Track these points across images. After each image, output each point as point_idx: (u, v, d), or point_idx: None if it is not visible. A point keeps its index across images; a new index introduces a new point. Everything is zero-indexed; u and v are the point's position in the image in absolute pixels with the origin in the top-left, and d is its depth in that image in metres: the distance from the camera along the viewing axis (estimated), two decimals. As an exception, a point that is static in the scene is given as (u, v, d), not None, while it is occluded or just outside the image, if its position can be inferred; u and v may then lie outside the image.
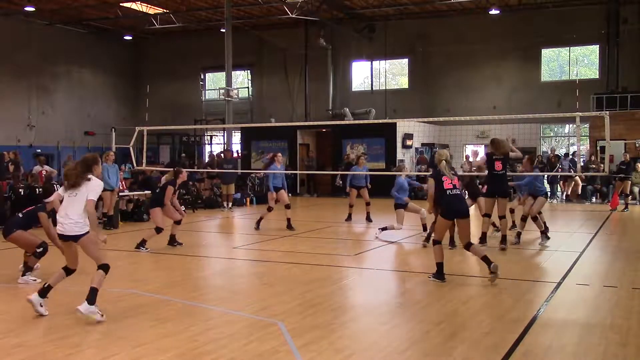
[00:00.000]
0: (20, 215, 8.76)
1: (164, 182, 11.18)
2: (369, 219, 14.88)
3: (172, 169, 11.70)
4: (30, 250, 8.49)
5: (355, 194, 15.16)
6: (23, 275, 8.26)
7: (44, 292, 6.39)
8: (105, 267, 6.41)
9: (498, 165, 10.69)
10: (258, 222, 13.58)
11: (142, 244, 10.73)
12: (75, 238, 6.38)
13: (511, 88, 27.26)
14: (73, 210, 6.33)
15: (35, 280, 8.13)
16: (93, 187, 6.41)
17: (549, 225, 11.86)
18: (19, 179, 15.96)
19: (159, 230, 10.67)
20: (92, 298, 6.18)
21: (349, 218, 15.05)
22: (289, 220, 13.35)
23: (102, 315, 6.17)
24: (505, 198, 10.98)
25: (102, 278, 6.36)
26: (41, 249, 8.42)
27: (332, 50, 29.83)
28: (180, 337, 5.65)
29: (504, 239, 10.74)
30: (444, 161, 8.20)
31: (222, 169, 19.48)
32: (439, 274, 8.06)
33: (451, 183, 8.10)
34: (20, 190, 14.54)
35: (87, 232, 6.38)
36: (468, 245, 8.14)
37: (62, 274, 6.58)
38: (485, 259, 7.89)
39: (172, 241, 11.12)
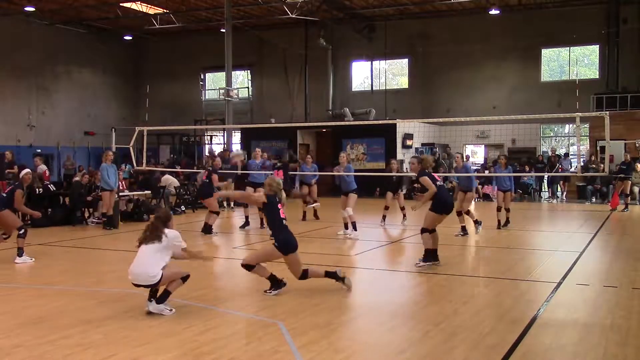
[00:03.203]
0: (4, 194, 9.69)
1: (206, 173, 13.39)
2: (316, 217, 15.53)
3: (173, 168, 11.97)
4: (9, 230, 9.50)
5: (306, 191, 15.89)
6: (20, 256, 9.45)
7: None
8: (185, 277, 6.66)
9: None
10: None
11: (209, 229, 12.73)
12: None
13: (511, 88, 27.26)
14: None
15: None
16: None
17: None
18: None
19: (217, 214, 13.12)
20: (163, 298, 6.49)
21: (304, 217, 15.65)
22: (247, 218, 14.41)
23: (170, 310, 6.45)
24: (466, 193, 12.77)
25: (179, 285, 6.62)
26: (22, 231, 9.48)
27: (332, 50, 29.84)
28: (180, 337, 5.65)
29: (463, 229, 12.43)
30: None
31: (220, 169, 19.45)
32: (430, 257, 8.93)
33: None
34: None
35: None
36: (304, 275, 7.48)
37: None
38: (329, 275, 7.55)
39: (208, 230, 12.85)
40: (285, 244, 7.19)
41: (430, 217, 8.95)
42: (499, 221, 13.69)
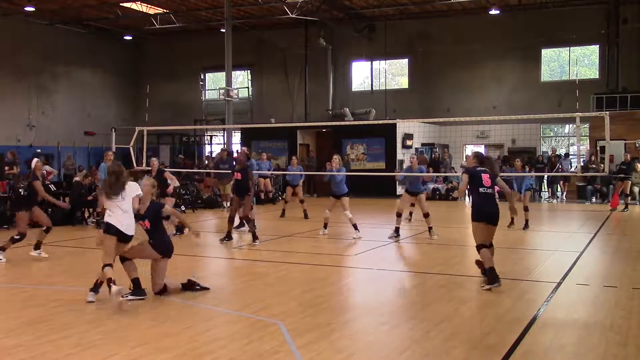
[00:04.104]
0: (25, 193, 10.16)
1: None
2: (306, 216, 15.90)
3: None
4: (47, 223, 10.01)
5: (290, 191, 16.76)
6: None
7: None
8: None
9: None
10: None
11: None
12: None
13: (511, 88, 27.26)
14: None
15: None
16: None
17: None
18: (19, 178, 15.92)
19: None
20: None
21: (283, 214, 16.41)
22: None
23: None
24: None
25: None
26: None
27: (332, 50, 29.82)
28: (180, 337, 5.65)
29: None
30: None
31: (218, 169, 19.48)
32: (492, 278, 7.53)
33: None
34: (20, 190, 14.52)
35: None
36: None
37: None
38: None
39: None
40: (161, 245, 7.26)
41: (473, 228, 7.83)
42: (526, 220, 13.68)
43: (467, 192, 8.00)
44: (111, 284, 6.61)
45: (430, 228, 12.25)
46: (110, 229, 7.01)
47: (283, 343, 5.45)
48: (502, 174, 12.26)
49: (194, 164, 26.37)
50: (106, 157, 14.14)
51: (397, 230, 12.29)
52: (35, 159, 10.55)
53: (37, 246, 10.03)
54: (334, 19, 28.29)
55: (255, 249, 11.40)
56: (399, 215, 12.28)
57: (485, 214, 7.70)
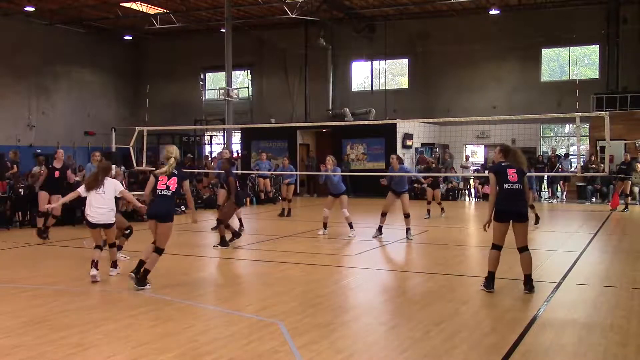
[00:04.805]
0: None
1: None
2: (288, 214, 16.67)
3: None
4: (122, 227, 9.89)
5: (285, 190, 17.35)
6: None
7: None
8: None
9: None
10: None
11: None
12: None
13: (511, 88, 27.25)
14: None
15: None
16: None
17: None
18: (19, 178, 15.97)
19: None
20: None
21: (282, 213, 16.95)
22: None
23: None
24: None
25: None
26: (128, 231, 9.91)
27: (332, 50, 29.83)
28: (180, 337, 5.65)
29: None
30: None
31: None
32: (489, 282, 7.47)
33: None
34: (20, 190, 14.55)
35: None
36: None
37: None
38: None
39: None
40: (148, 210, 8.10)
41: (493, 227, 7.41)
42: (536, 216, 14.21)
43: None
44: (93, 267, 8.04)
45: (408, 229, 12.26)
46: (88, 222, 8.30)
47: (283, 343, 5.45)
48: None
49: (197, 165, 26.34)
50: (93, 157, 14.13)
51: (380, 229, 12.44)
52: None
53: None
54: (334, 19, 28.29)
55: (255, 248, 11.40)
56: (383, 214, 12.38)
57: (509, 212, 7.25)
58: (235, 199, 11.43)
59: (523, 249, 7.31)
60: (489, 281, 7.41)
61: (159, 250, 7.69)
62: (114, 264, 8.61)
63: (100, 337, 5.67)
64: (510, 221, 7.27)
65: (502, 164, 7.48)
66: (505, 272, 8.17)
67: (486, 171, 7.94)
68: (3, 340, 5.57)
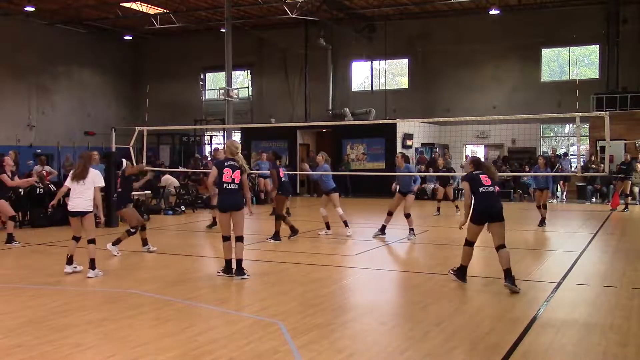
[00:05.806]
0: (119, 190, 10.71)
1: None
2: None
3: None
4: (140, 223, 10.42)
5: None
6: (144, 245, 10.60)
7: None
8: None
9: None
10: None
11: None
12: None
13: (511, 88, 27.26)
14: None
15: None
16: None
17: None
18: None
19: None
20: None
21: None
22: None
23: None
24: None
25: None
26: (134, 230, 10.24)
27: (332, 50, 29.84)
28: (180, 337, 5.65)
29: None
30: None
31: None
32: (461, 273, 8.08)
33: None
34: (20, 190, 14.53)
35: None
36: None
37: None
38: None
39: None
40: (219, 203, 8.42)
41: (468, 227, 7.95)
42: (542, 218, 14.30)
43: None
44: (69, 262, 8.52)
45: (411, 229, 12.25)
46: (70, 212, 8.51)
47: (283, 343, 5.45)
48: (501, 174, 12.25)
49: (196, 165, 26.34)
50: (93, 157, 14.11)
51: (383, 228, 12.46)
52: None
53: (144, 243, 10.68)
54: (334, 19, 28.29)
55: (255, 248, 11.39)
56: (389, 214, 12.42)
57: (487, 215, 7.69)
58: (280, 189, 12.11)
59: (501, 246, 7.64)
60: (462, 274, 8.01)
61: (241, 238, 8.35)
62: (92, 264, 8.37)
63: (100, 337, 5.67)
64: (487, 223, 7.74)
65: (475, 172, 8.01)
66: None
67: (461, 181, 8.47)
68: (3, 340, 5.57)
